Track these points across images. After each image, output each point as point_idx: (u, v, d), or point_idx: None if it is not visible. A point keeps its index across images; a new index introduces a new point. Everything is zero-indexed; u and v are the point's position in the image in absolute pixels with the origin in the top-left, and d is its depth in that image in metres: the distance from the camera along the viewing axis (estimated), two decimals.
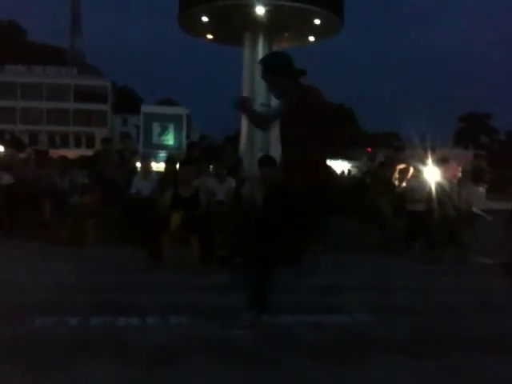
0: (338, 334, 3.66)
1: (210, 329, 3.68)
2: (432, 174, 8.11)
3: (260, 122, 4.29)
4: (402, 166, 8.66)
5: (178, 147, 53.03)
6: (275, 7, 12.09)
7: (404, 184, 8.42)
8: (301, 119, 3.64)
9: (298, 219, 3.69)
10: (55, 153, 12.46)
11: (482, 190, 8.61)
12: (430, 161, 8.37)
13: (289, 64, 3.85)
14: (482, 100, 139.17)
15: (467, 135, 66.19)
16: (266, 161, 6.88)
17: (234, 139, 14.19)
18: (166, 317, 3.93)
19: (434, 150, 8.97)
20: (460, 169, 8.80)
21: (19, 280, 5.14)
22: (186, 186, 6.47)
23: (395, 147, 12.27)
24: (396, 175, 8.62)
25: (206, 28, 13.43)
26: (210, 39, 14.26)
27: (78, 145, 65.59)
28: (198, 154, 9.43)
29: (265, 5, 11.96)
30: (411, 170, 8.43)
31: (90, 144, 60.49)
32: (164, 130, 66.20)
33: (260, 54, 13.04)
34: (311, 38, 14.08)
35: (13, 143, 12.90)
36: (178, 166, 7.76)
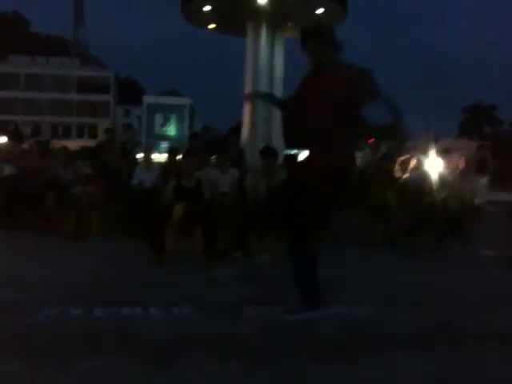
0: (339, 329, 3.59)
1: (211, 322, 3.68)
2: (435, 165, 8.03)
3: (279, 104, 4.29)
4: (403, 157, 8.56)
5: (180, 138, 53.05)
6: None
7: (406, 175, 8.33)
8: (328, 97, 3.58)
9: (316, 205, 3.66)
10: (57, 143, 12.44)
11: (485, 181, 8.52)
12: (432, 152, 8.27)
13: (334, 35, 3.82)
14: (488, 91, 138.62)
15: (471, 126, 65.90)
16: (268, 151, 6.88)
17: (236, 130, 14.14)
18: (170, 310, 3.92)
19: (437, 141, 8.86)
20: (463, 160, 8.72)
21: (22, 273, 5.15)
22: (189, 177, 6.45)
23: (397, 138, 12.15)
24: (397, 166, 8.52)
25: (209, 17, 13.34)
26: (212, 29, 14.17)
27: (80, 135, 65.56)
28: (200, 146, 9.40)
29: None
30: (413, 161, 8.33)
31: (93, 135, 60.44)
32: (166, 121, 66.20)
33: (263, 44, 12.95)
34: None
35: (12, 134, 12.85)
36: (179, 156, 7.74)
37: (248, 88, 13.38)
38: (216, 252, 6.00)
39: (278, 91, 13.33)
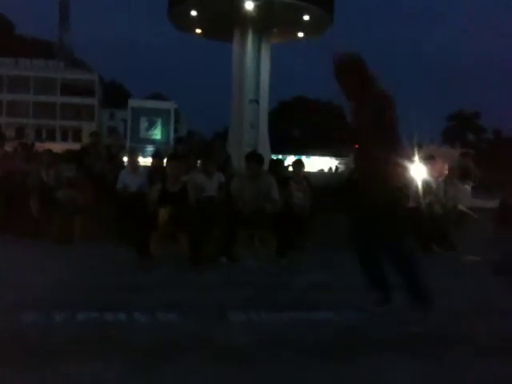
0: (333, 331, 3.64)
1: (196, 327, 3.66)
2: (418, 172, 8.09)
3: None
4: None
5: (166, 142, 52.92)
6: (264, 2, 12.05)
7: None
8: (381, 125, 3.66)
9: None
10: (41, 146, 12.33)
11: (468, 188, 8.63)
12: (416, 158, 8.33)
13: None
14: (473, 99, 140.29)
15: (455, 134, 66.55)
16: (253, 156, 6.94)
17: (222, 135, 14.17)
18: (155, 314, 3.90)
19: (420, 147, 8.94)
20: (446, 166, 8.80)
21: (4, 277, 5.09)
22: (175, 181, 6.43)
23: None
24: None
25: (195, 22, 13.36)
26: (198, 34, 14.19)
27: (64, 139, 64.98)
28: (186, 150, 9.39)
29: (254, 0, 11.93)
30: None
31: (77, 138, 59.98)
32: (152, 125, 65.96)
33: (249, 50, 13.00)
34: (300, 34, 14.06)
35: None
36: (165, 160, 7.71)
37: (235, 93, 13.41)
38: (202, 257, 5.98)
39: (264, 96, 13.40)
